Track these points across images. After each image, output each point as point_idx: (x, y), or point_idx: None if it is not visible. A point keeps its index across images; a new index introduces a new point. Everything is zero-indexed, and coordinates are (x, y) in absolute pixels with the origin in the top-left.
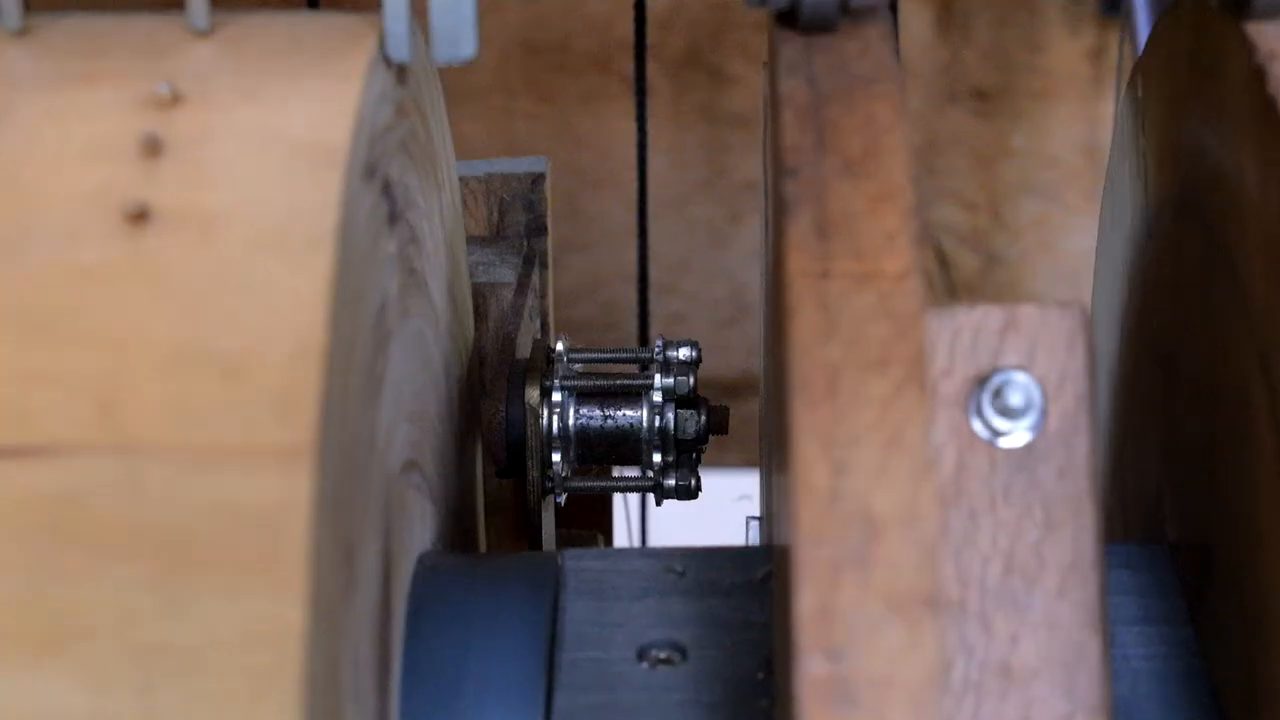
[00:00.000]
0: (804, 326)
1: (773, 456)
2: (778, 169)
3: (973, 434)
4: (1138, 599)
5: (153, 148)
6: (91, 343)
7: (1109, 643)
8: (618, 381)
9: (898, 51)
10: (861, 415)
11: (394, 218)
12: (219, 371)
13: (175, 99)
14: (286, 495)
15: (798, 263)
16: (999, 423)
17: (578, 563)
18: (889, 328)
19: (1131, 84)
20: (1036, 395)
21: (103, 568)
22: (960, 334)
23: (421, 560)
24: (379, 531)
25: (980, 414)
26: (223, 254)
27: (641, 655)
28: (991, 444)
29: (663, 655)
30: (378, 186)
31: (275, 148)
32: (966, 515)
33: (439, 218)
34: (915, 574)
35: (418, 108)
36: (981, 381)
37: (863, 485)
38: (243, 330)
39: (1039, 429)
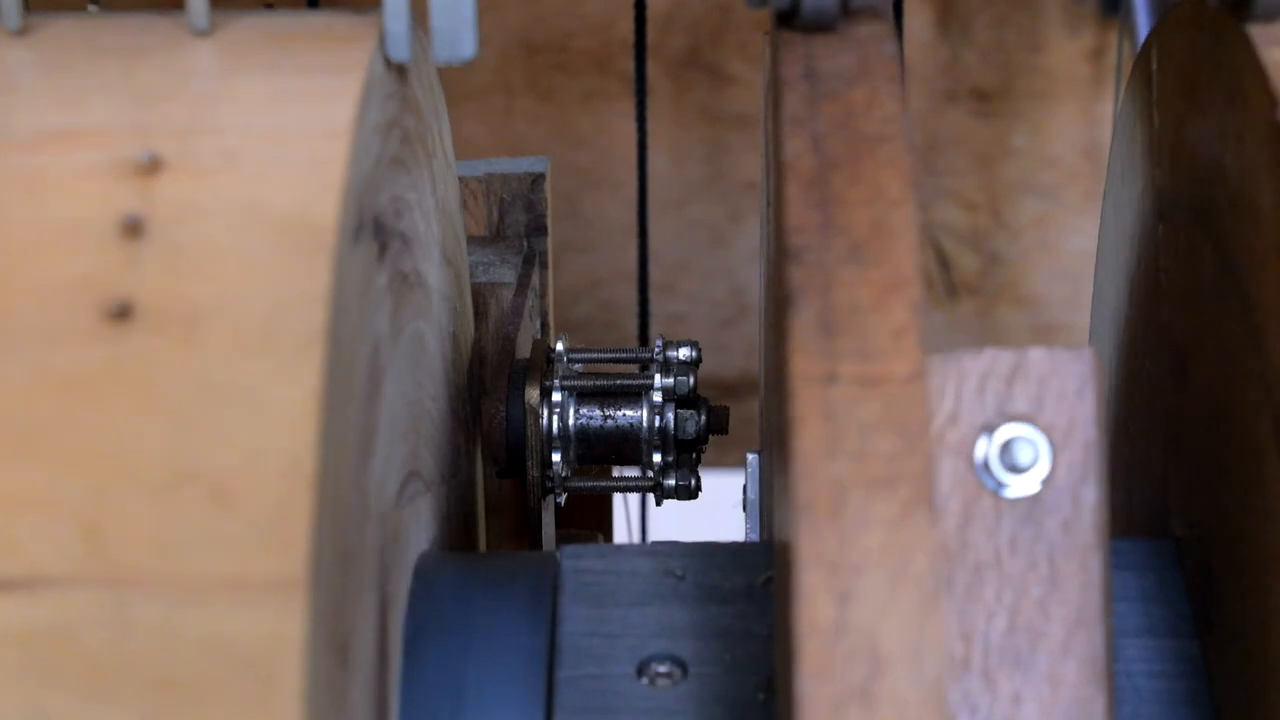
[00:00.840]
0: (808, 438)
1: (774, 452)
2: (782, 249)
3: (979, 484)
4: (1142, 606)
5: (133, 229)
6: (75, 461)
7: (1114, 698)
8: (618, 381)
9: (901, 51)
10: (868, 539)
11: (385, 247)
12: (208, 494)
13: (155, 165)
14: (279, 631)
15: (802, 366)
16: (1005, 476)
17: (576, 562)
18: (897, 441)
19: (1131, 84)
20: (1044, 449)
21: (91, 711)
22: (966, 380)
23: (420, 567)
24: (375, 582)
25: (986, 465)
26: (208, 358)
27: (641, 671)
28: (997, 494)
29: (663, 670)
30: (369, 235)
31: (259, 226)
32: (971, 569)
33: (437, 217)
34: (920, 711)
35: (417, 107)
36: (988, 431)
37: (869, 618)
38: (232, 448)
39: (1046, 479)
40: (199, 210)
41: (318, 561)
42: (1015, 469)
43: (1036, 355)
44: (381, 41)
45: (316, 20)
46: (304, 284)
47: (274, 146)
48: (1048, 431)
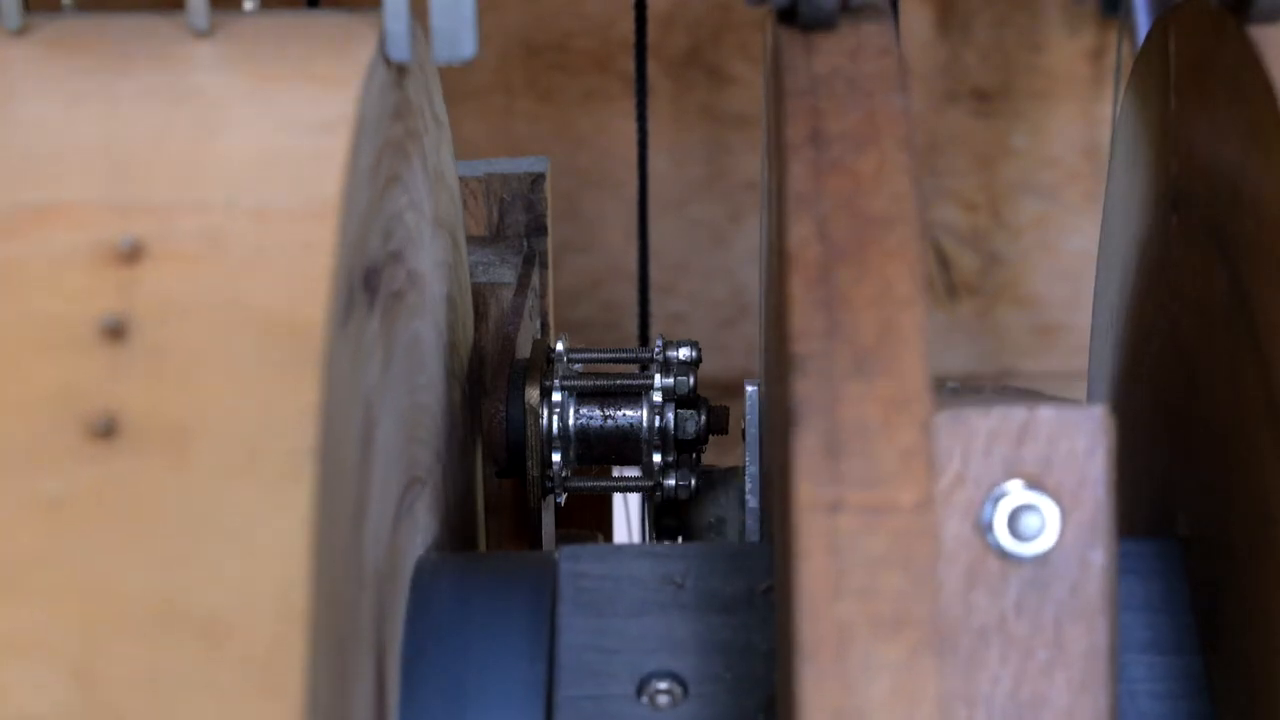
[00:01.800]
0: (813, 575)
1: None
2: (785, 356)
3: (984, 546)
4: (1147, 616)
5: (115, 332)
6: (63, 597)
7: None
8: (618, 381)
9: (901, 51)
10: (873, 686)
11: (376, 290)
12: (199, 632)
13: (136, 252)
14: None
15: (807, 493)
16: (1012, 538)
17: (575, 565)
18: (904, 579)
19: (1131, 83)
20: (1053, 511)
21: None
22: (974, 439)
23: (417, 579)
24: (372, 645)
25: (992, 527)
26: (196, 483)
27: (641, 689)
28: (1003, 557)
29: (663, 687)
30: (360, 295)
31: (245, 327)
32: (976, 633)
33: (429, 192)
34: None
35: (416, 107)
36: (996, 492)
37: None
38: (222, 582)
39: (1054, 542)
40: (182, 308)
41: (313, 700)
42: (1022, 531)
43: (1046, 414)
44: (381, 42)
45: (316, 20)
46: (292, 398)
47: (259, 227)
48: (1056, 493)
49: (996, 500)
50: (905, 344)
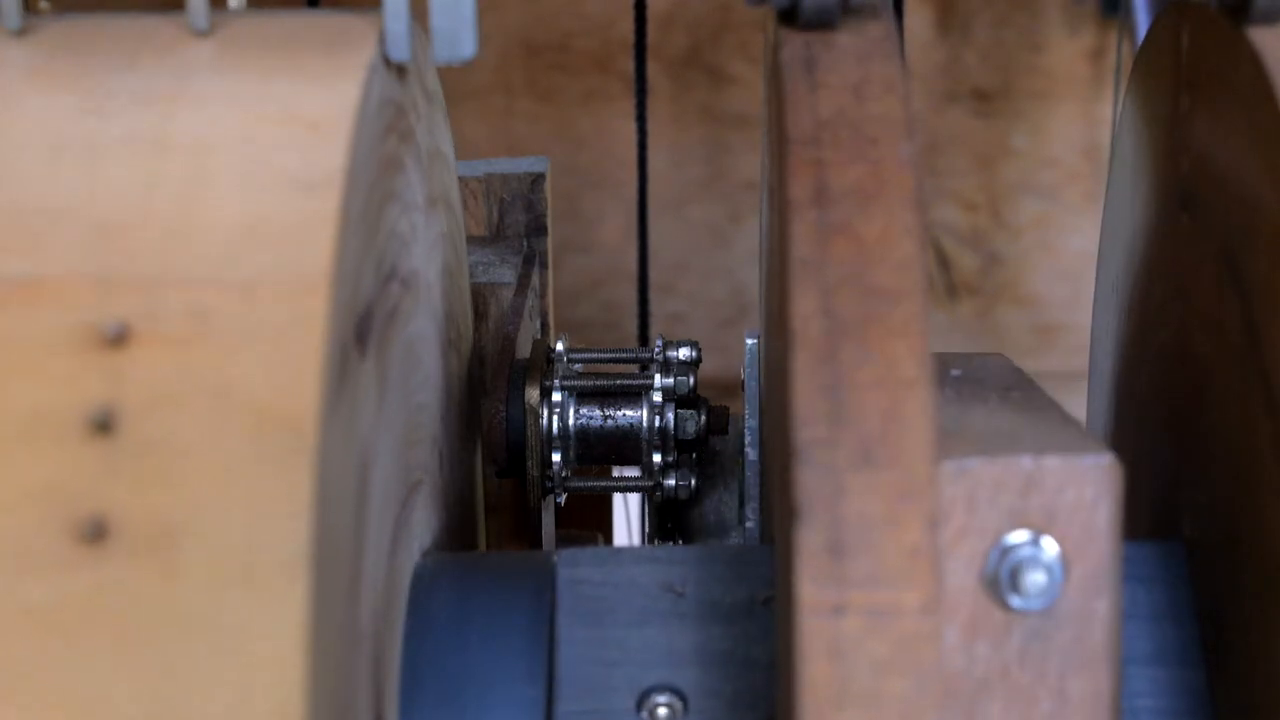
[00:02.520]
0: (816, 681)
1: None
2: (788, 445)
3: (988, 596)
4: (1150, 626)
5: (103, 426)
6: (50, 709)
7: None
8: (617, 381)
9: (903, 50)
10: None
11: (369, 331)
12: None
13: (122, 337)
14: None
15: (810, 596)
16: (1016, 588)
17: (573, 571)
18: (909, 685)
19: (1136, 78)
20: (1057, 561)
21: None
22: (979, 488)
23: (416, 583)
24: (370, 683)
25: (996, 576)
26: (188, 590)
27: (641, 703)
28: (1006, 607)
29: (663, 700)
30: (353, 348)
31: (235, 417)
32: (978, 683)
33: (431, 197)
34: None
35: (410, 103)
36: (1000, 542)
37: None
38: (215, 696)
39: (1059, 592)
40: (171, 398)
41: None
42: (1026, 582)
43: (1052, 464)
44: (381, 42)
45: (316, 21)
46: (285, 499)
47: (247, 304)
48: (1061, 542)
49: (1001, 551)
50: (910, 431)
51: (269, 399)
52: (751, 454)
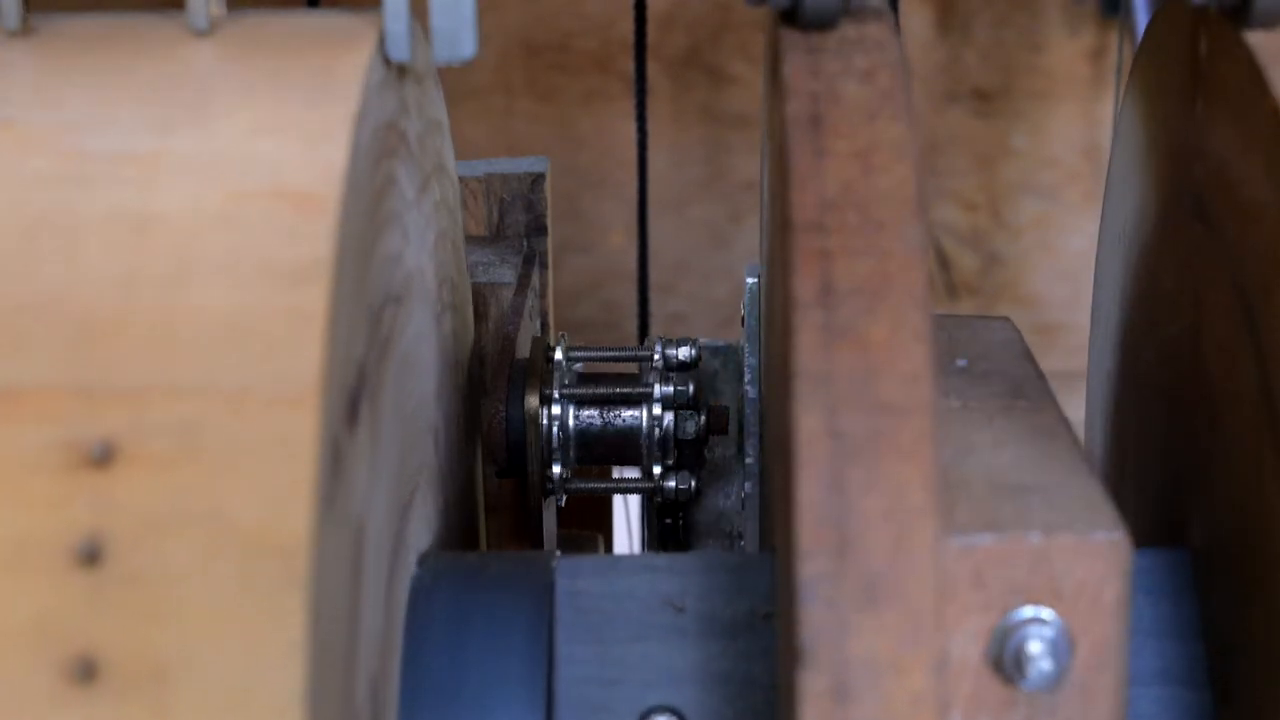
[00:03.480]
0: None
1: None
2: (795, 580)
3: (991, 673)
4: (1156, 643)
5: (91, 557)
6: None
7: None
8: (617, 382)
9: (903, 53)
10: None
11: (358, 401)
12: None
13: (108, 457)
14: None
15: None
16: (1020, 665)
17: (572, 582)
18: None
19: (1131, 84)
20: (1063, 638)
21: None
22: (985, 567)
23: (414, 598)
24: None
25: (1000, 655)
26: None
27: None
28: (1011, 683)
29: None
30: (346, 438)
31: (226, 547)
32: None
33: (426, 178)
34: None
35: (408, 106)
36: (1005, 618)
37: None
38: None
39: (1064, 669)
40: (159, 525)
41: None
42: (1031, 657)
43: (1062, 541)
44: (381, 42)
45: (316, 21)
46: (278, 634)
47: (236, 417)
48: (1068, 618)
49: (1006, 627)
50: (917, 568)
51: (259, 525)
52: (751, 391)
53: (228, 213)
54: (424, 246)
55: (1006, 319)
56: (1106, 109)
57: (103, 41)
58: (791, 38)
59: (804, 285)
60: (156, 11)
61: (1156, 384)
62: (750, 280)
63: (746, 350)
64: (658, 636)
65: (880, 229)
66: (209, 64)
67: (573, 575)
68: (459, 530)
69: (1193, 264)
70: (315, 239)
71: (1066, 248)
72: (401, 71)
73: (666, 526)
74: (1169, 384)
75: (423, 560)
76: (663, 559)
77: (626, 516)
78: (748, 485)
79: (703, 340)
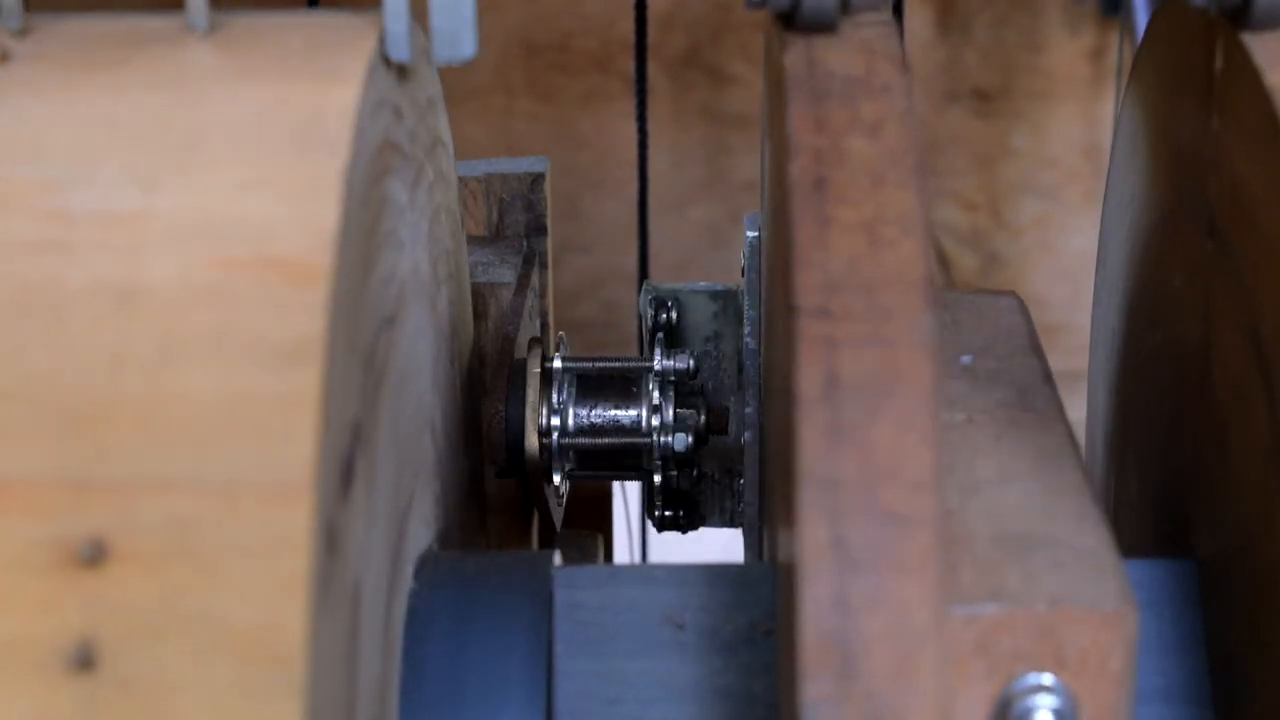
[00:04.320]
0: None
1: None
2: (793, 700)
3: None
4: (1159, 660)
5: (84, 663)
6: None
7: None
8: (617, 379)
9: (904, 56)
10: None
11: (354, 471)
12: None
13: (99, 556)
14: None
15: None
16: None
17: (571, 594)
18: None
19: (1131, 84)
20: (1068, 710)
21: None
22: (990, 636)
23: (411, 615)
24: None
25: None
26: None
27: None
28: None
29: None
30: (340, 522)
31: (221, 653)
32: None
33: (431, 198)
34: None
35: (410, 104)
36: (1009, 690)
37: None
38: None
39: None
40: (152, 629)
41: None
42: None
43: (1069, 612)
44: (381, 42)
45: (316, 21)
46: None
47: (228, 513)
48: (1073, 685)
49: (1009, 694)
50: (918, 691)
51: (254, 630)
52: (751, 343)
53: (215, 284)
54: (419, 239)
55: (1013, 295)
56: (1106, 109)
57: (87, 69)
58: (796, 77)
59: (809, 380)
60: (156, 11)
61: (1160, 382)
62: (750, 235)
63: (747, 304)
64: (657, 651)
65: (889, 318)
66: (198, 92)
67: (571, 586)
68: (459, 525)
69: (1202, 276)
70: (306, 313)
71: (1066, 248)
72: (401, 72)
73: (669, 480)
74: (1173, 384)
75: (420, 568)
76: (662, 570)
77: (626, 516)
78: (747, 434)
79: (701, 284)
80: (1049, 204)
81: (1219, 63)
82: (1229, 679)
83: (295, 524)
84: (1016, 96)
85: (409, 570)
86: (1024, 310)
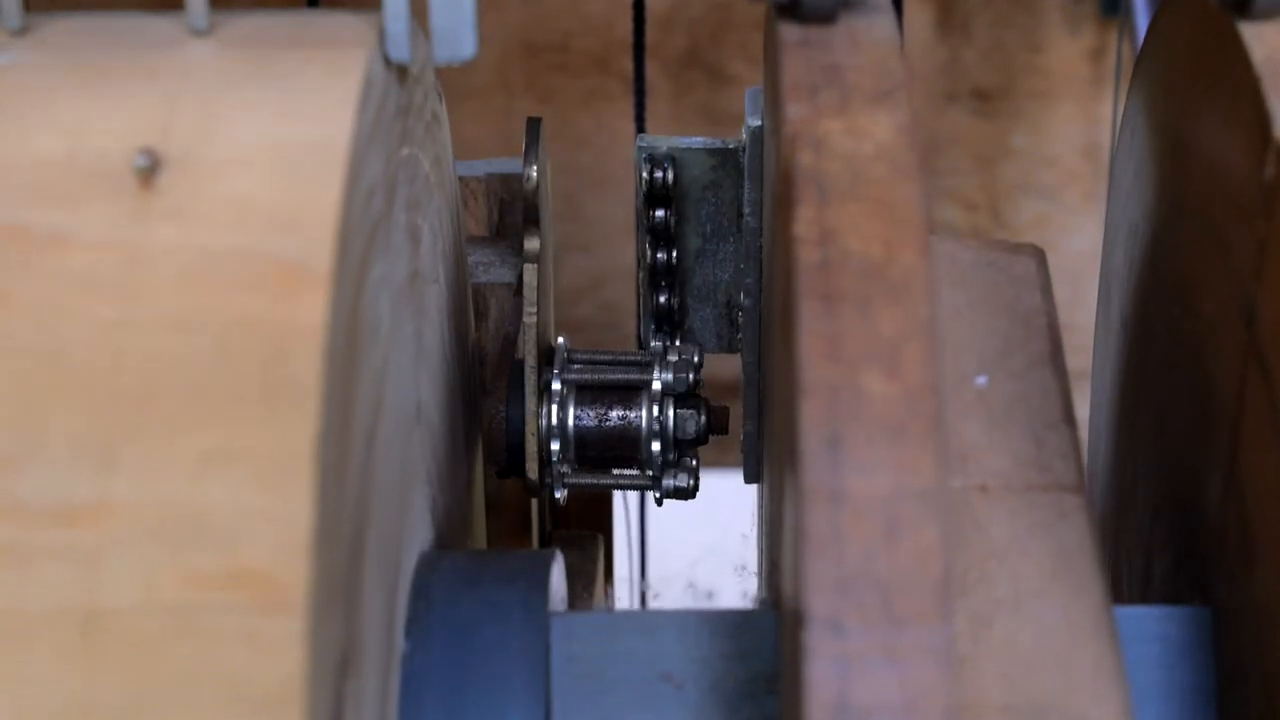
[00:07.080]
0: None
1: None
2: None
3: None
4: (1164, 705)
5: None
6: None
7: None
8: (618, 378)
9: (904, 57)
10: None
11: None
12: None
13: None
14: None
15: None
16: None
17: (568, 645)
18: None
19: (1135, 80)
20: None
21: None
22: None
23: (415, 590)
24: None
25: None
26: None
27: None
28: None
29: None
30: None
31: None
32: None
33: (438, 218)
34: None
35: (417, 107)
36: None
37: None
38: None
39: None
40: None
41: None
42: None
43: None
44: (381, 42)
45: (316, 21)
46: None
47: (230, 610)
48: None
49: None
50: None
51: (255, 698)
52: (752, 222)
53: (182, 608)
54: (414, 236)
55: (1031, 253)
56: (1106, 109)
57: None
58: (810, 317)
59: (820, 703)
60: (156, 11)
61: (1166, 383)
62: (752, 123)
63: (747, 186)
64: (656, 706)
65: (900, 629)
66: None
67: (568, 636)
68: (459, 533)
69: (1209, 287)
70: (283, 645)
71: (1066, 248)
72: (403, 73)
73: (661, 305)
74: (1179, 385)
75: (411, 626)
76: (660, 618)
77: (626, 517)
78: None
79: (699, 139)
80: (1049, 204)
81: (1262, 79)
82: None
83: (292, 631)
84: (1016, 96)
85: (406, 583)
86: (1043, 275)
